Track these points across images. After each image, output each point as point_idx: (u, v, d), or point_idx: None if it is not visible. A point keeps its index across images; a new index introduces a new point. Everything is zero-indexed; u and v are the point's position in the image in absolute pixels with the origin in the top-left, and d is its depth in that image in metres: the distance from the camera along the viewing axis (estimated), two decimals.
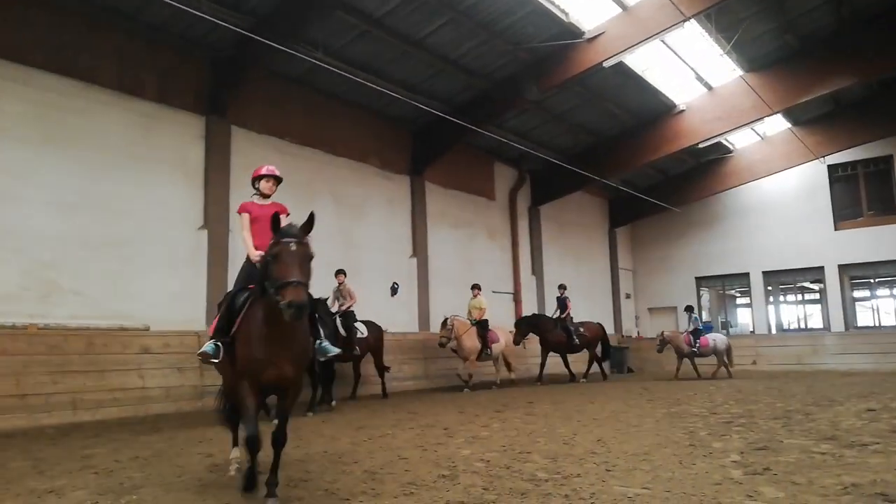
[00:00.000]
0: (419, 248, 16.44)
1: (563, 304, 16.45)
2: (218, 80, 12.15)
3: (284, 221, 4.78)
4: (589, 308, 22.48)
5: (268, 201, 5.50)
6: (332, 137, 14.45)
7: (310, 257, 4.10)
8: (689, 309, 17.70)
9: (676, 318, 24.72)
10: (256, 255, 4.80)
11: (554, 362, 16.61)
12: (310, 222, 4.20)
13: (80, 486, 5.00)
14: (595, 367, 17.15)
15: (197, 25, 11.20)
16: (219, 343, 4.56)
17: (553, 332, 15.96)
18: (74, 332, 9.68)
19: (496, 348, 14.47)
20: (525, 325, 15.80)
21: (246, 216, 5.34)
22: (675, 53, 15.45)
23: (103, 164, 10.62)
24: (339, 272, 11.88)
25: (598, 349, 17.00)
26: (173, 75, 11.72)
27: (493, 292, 18.77)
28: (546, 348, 16.06)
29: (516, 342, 15.46)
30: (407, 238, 16.35)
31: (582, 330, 16.42)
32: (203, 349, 4.59)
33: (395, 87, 13.83)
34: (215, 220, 11.88)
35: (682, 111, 18.17)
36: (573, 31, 13.61)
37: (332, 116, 14.53)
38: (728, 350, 16.79)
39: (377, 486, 4.78)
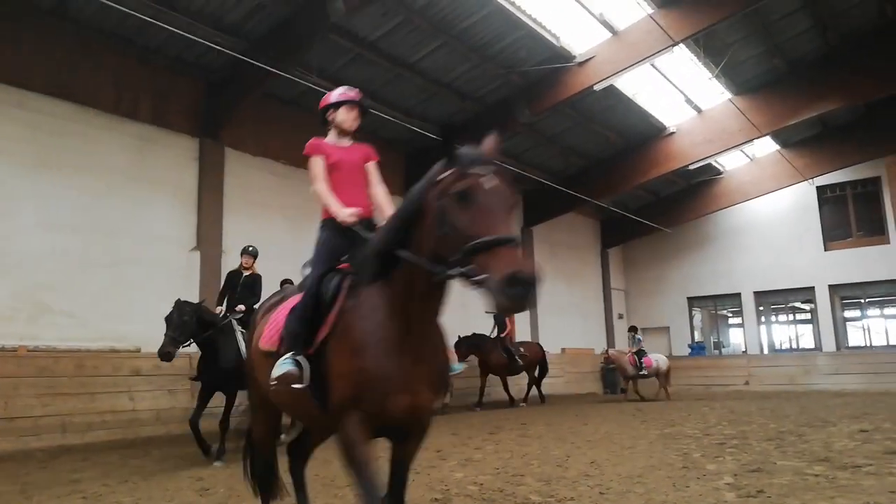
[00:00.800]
0: None
1: (501, 322, 15.55)
2: (212, 103, 12.22)
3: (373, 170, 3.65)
4: (581, 328, 22.55)
5: (348, 141, 3.78)
6: None
7: (515, 202, 2.52)
8: (632, 329, 17.34)
9: (669, 339, 24.79)
10: (349, 213, 3.30)
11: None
12: (495, 142, 2.62)
13: None
14: (532, 389, 16.54)
15: (192, 48, 11.31)
16: (300, 359, 2.95)
17: (494, 352, 15.13)
18: (64, 354, 9.62)
19: None
20: (466, 346, 14.77)
21: (319, 161, 3.56)
22: (665, 77, 15.65)
23: (97, 186, 10.62)
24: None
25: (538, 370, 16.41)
26: (168, 98, 11.78)
27: (487, 312, 18.75)
28: (486, 370, 15.27)
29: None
30: None
31: (523, 350, 15.69)
32: (281, 370, 2.94)
33: (388, 109, 13.93)
34: (208, 242, 11.87)
35: (673, 133, 18.35)
36: (564, 56, 13.78)
37: None
38: (668, 371, 16.59)
39: None
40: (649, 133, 18.44)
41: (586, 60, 13.88)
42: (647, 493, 4.94)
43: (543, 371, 16.61)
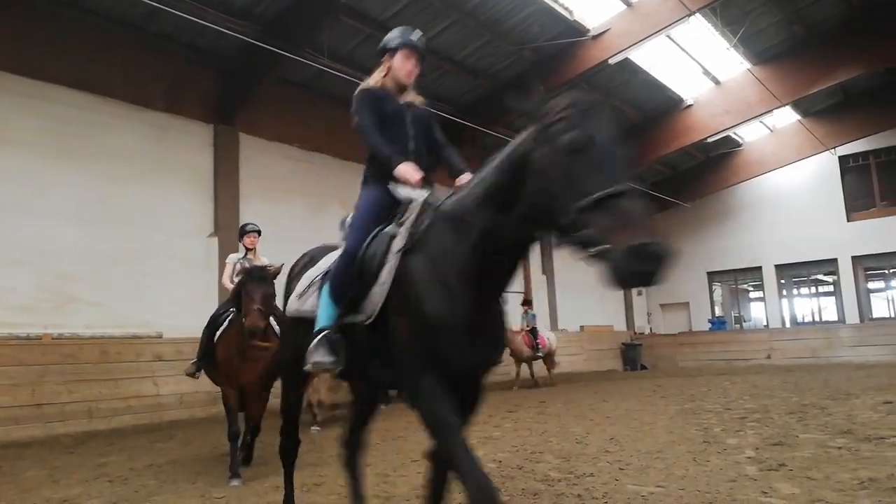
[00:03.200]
0: None
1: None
2: (225, 89, 12.21)
3: None
4: (600, 306, 22.47)
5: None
6: (340, 142, 14.47)
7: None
8: (525, 303, 14.90)
9: (689, 314, 24.64)
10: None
11: None
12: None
13: (94, 494, 5.05)
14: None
15: (203, 34, 11.28)
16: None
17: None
18: (88, 342, 9.78)
19: None
20: None
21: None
22: (681, 48, 15.37)
23: (115, 175, 10.70)
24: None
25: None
26: (182, 85, 11.78)
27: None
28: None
29: None
30: None
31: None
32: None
33: None
34: (225, 227, 11.93)
35: (690, 106, 18.09)
36: (578, 29, 13.59)
37: (340, 121, 14.40)
38: (554, 352, 14.93)
39: (390, 489, 4.78)
40: (666, 106, 18.19)
41: (600, 34, 13.68)
42: (668, 468, 4.93)
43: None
